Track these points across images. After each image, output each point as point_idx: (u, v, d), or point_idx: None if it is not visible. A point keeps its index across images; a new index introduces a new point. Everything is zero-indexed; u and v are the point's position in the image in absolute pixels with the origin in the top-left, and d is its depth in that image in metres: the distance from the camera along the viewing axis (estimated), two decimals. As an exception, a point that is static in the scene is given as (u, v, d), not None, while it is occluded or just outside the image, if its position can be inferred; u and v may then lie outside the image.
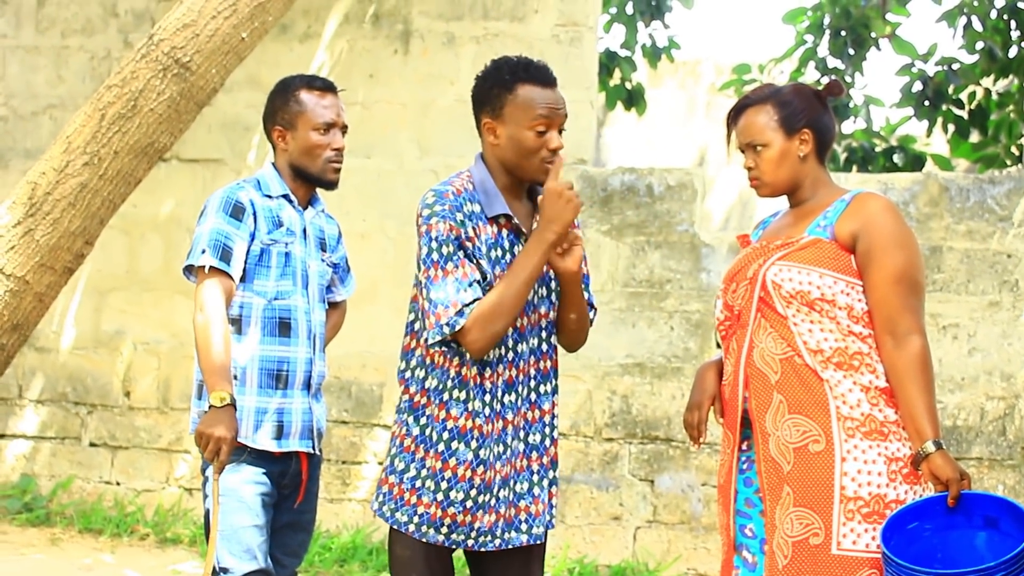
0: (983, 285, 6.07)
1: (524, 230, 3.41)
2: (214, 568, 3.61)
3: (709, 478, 6.23)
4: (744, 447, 3.42)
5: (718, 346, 3.63)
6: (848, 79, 8.87)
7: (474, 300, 3.26)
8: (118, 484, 7.22)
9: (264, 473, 3.72)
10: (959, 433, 6.04)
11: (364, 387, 6.87)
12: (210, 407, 3.52)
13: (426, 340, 3.36)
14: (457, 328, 3.24)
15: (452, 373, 3.38)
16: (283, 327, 3.79)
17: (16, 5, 7.64)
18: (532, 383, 3.46)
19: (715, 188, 8.88)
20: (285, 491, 3.83)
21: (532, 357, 3.45)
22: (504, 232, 3.39)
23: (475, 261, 3.31)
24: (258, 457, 3.71)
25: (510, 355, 3.39)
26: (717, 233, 6.65)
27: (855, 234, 3.30)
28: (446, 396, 3.38)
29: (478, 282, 3.29)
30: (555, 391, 3.53)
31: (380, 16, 7.00)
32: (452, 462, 3.36)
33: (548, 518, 3.49)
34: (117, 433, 7.24)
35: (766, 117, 3.42)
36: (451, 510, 3.36)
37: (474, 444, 3.36)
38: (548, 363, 3.51)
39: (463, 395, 3.37)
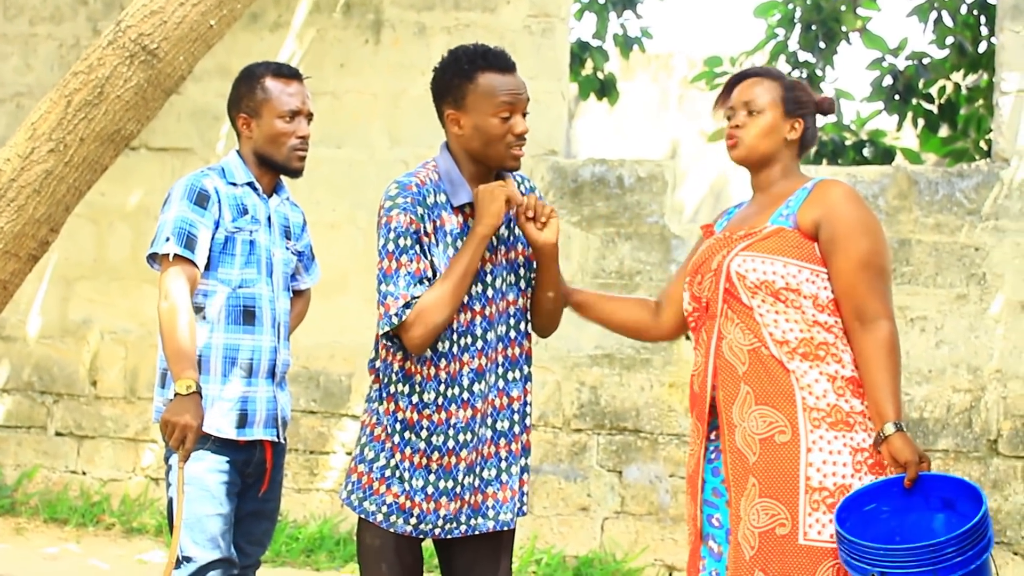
0: (951, 278, 6.08)
1: None
2: (178, 557, 3.58)
3: (677, 469, 6.23)
4: (712, 437, 3.41)
5: (688, 339, 3.62)
6: (819, 72, 8.89)
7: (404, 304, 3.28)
8: (84, 474, 7.17)
9: (228, 462, 3.70)
10: (926, 425, 6.05)
11: (332, 377, 6.84)
12: (175, 395, 3.46)
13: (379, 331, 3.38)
14: (403, 318, 3.26)
15: (396, 367, 3.40)
16: (248, 315, 3.77)
17: (-17, -8, 7.57)
18: (500, 370, 3.46)
19: (686, 180, 8.87)
20: (249, 480, 3.81)
21: (500, 344, 3.45)
22: (470, 221, 3.39)
23: (429, 257, 3.33)
24: (222, 446, 3.68)
25: (479, 343, 3.39)
26: (687, 225, 6.64)
27: (817, 221, 3.29)
28: (392, 389, 3.41)
29: (429, 280, 3.31)
30: (526, 378, 3.52)
31: (351, 5, 6.97)
32: (407, 451, 3.38)
33: (518, 505, 3.48)
34: (83, 422, 7.19)
35: (772, 90, 3.44)
36: (416, 498, 3.36)
37: (424, 434, 3.37)
38: (517, 350, 3.50)
39: (406, 389, 3.39)
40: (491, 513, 3.43)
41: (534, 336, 3.58)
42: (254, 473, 3.81)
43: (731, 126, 3.47)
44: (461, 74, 3.36)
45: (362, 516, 3.41)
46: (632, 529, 6.40)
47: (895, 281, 5.78)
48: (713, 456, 3.41)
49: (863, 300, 3.25)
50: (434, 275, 3.32)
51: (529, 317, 3.55)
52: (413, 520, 3.36)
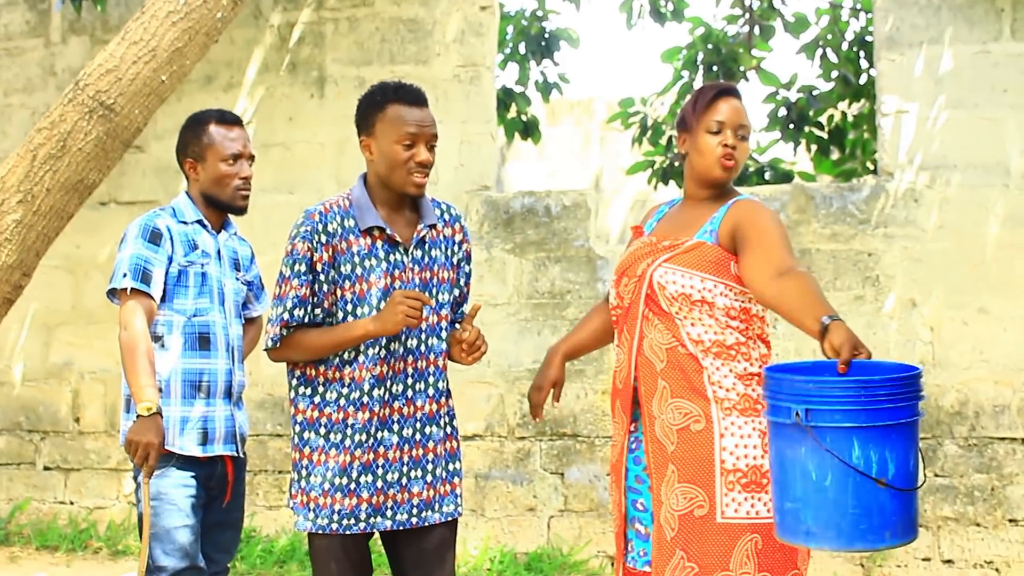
0: (848, 281, 6.08)
1: (400, 240, 3.41)
2: (148, 566, 3.50)
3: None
4: (632, 429, 3.36)
5: (617, 345, 3.56)
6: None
7: (298, 324, 3.35)
8: (71, 503, 7.00)
9: (192, 477, 3.64)
10: (833, 415, 6.02)
11: (296, 402, 6.73)
12: (137, 416, 3.42)
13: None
14: (277, 344, 3.36)
15: (297, 373, 3.42)
16: (203, 341, 3.71)
17: (-39, 68, 7.44)
18: (409, 380, 3.43)
19: (608, 209, 8.86)
20: (213, 492, 3.74)
21: (410, 356, 3.42)
22: (379, 243, 3.40)
23: (320, 280, 3.35)
24: (186, 462, 3.62)
25: (382, 352, 3.37)
26: (611, 247, 6.59)
27: (732, 231, 3.24)
28: (293, 393, 3.43)
29: (312, 304, 3.35)
30: (439, 393, 3.48)
31: (296, 64, 6.90)
32: (306, 450, 3.39)
33: (418, 509, 3.41)
34: (69, 456, 7.03)
35: (749, 116, 3.39)
36: (312, 494, 3.35)
37: (322, 431, 3.37)
38: (424, 363, 3.45)
39: (308, 391, 3.41)
40: (389, 514, 3.38)
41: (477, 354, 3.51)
42: (217, 486, 3.75)
43: (728, 145, 3.32)
44: (374, 105, 3.40)
45: (298, 528, 3.42)
46: (576, 525, 6.32)
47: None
48: (634, 446, 3.36)
49: (778, 260, 3.08)
50: (330, 293, 3.36)
51: (444, 336, 3.50)
52: (311, 515, 3.35)
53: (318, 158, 6.80)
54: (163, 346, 3.66)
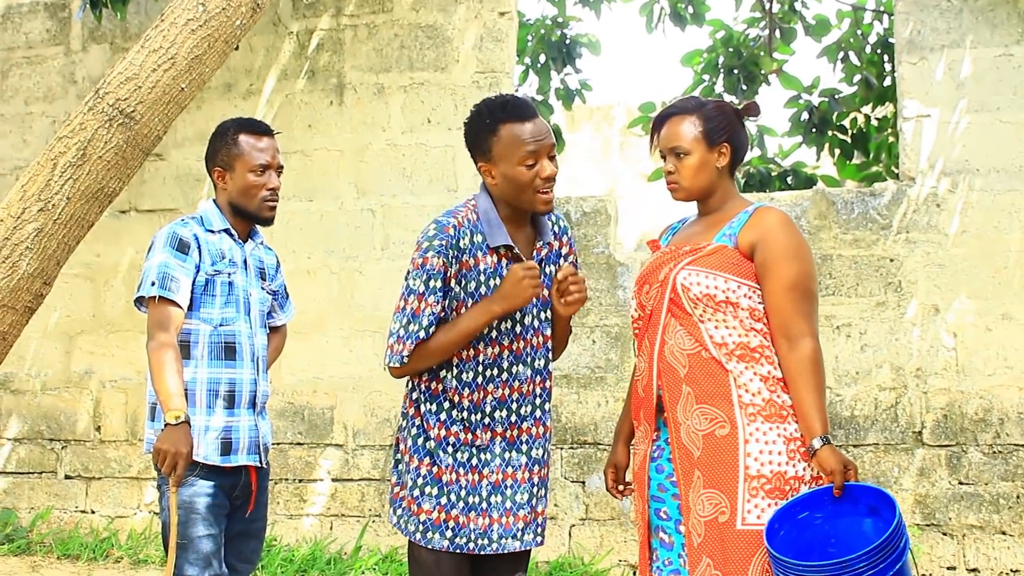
0: (870, 287, 6.07)
1: (524, 258, 3.34)
2: (175, 575, 3.51)
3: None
4: (655, 436, 3.36)
5: (636, 354, 3.57)
6: (743, 112, 8.90)
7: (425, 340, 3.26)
8: (93, 512, 7.05)
9: (216, 486, 3.63)
10: (856, 422, 6.02)
11: (316, 411, 6.75)
12: (166, 425, 3.42)
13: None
14: (404, 364, 3.27)
15: (423, 387, 3.35)
16: (228, 351, 3.72)
17: (-19, 77, 7.52)
18: (538, 400, 3.42)
19: (628, 215, 8.86)
20: (237, 502, 3.75)
21: (538, 377, 3.41)
22: (504, 261, 3.33)
23: (450, 298, 3.27)
24: (210, 472, 3.62)
25: (504, 375, 3.34)
26: (631, 253, 6.60)
27: (754, 244, 3.27)
28: (423, 408, 3.35)
29: (445, 321, 3.28)
30: (550, 410, 3.50)
31: (315, 72, 6.94)
32: (438, 469, 3.32)
33: (540, 529, 3.41)
34: (90, 465, 7.08)
35: (691, 127, 3.38)
36: (453, 512, 3.30)
37: (450, 450, 3.31)
38: (550, 382, 3.46)
39: (434, 407, 3.34)
40: (519, 535, 3.35)
41: None
42: (241, 496, 3.75)
43: (667, 172, 3.42)
44: (485, 128, 3.28)
45: (407, 536, 3.34)
46: (597, 534, 6.33)
47: (820, 292, 5.76)
48: (657, 454, 3.36)
49: (789, 319, 3.23)
50: (454, 310, 3.28)
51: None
52: (448, 534, 3.29)
53: (337, 165, 6.84)
54: (189, 355, 3.67)
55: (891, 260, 6.06)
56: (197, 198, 6.99)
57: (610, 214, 6.50)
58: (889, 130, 8.45)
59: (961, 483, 5.89)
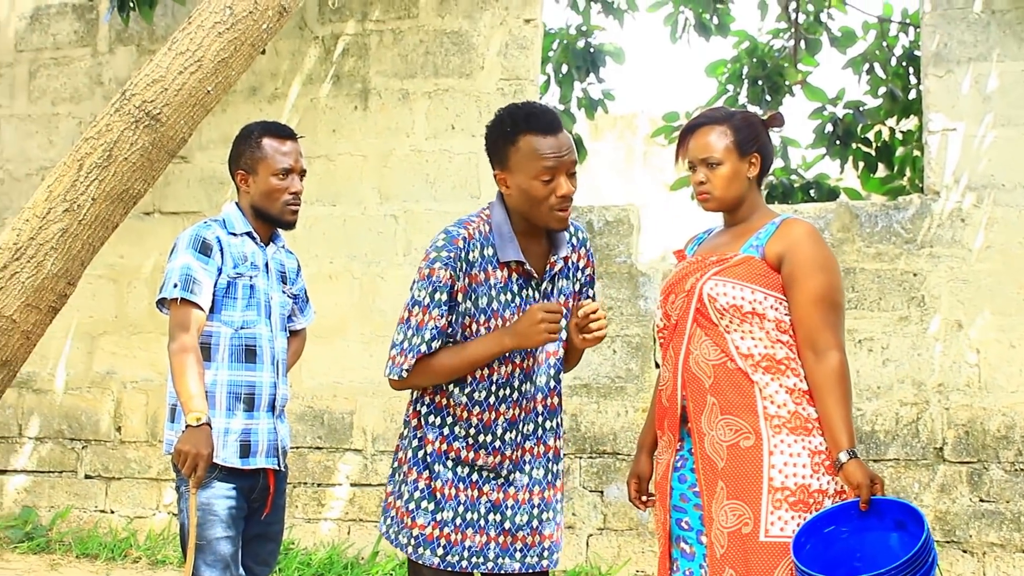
0: (893, 302, 6.04)
1: (535, 274, 3.24)
2: (193, 576, 3.52)
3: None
4: (679, 446, 3.35)
5: (657, 366, 3.55)
6: (766, 123, 8.88)
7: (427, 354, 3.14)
8: (112, 512, 7.06)
9: (234, 488, 3.63)
10: (877, 437, 5.98)
11: (335, 415, 6.75)
12: (187, 427, 3.43)
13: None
14: (404, 378, 3.17)
15: (427, 400, 3.25)
16: (249, 353, 3.72)
17: (10, 77, 7.56)
18: (540, 419, 3.31)
19: (650, 223, 8.84)
20: (254, 504, 3.74)
21: (540, 394, 3.30)
22: (514, 276, 3.21)
23: (456, 312, 3.15)
24: (228, 474, 3.62)
25: (515, 395, 3.24)
26: (653, 263, 6.59)
27: (781, 256, 3.26)
28: (426, 420, 3.24)
29: (448, 336, 3.17)
30: (559, 428, 3.36)
31: (340, 76, 6.95)
32: (437, 483, 3.20)
33: (548, 551, 3.29)
34: (110, 465, 7.10)
35: (722, 137, 3.36)
36: (445, 530, 3.19)
37: (449, 464, 3.20)
38: (556, 399, 3.35)
39: (437, 420, 3.23)
40: (519, 555, 3.25)
41: None
42: (258, 499, 3.75)
43: (697, 182, 3.39)
44: (504, 136, 3.14)
45: (398, 548, 3.25)
46: (614, 544, 6.31)
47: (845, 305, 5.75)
48: (679, 464, 3.34)
49: (816, 332, 3.21)
50: (464, 325, 3.16)
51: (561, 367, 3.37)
52: (440, 551, 3.18)
53: (360, 170, 6.85)
54: (209, 357, 3.67)
55: (914, 275, 6.02)
56: (221, 201, 7.00)
57: (632, 223, 6.48)
58: (914, 143, 8.42)
59: (982, 500, 5.85)
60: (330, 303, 6.64)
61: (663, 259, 7.23)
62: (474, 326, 3.18)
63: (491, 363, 3.19)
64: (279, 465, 3.78)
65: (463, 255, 3.13)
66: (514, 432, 3.24)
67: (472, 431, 3.21)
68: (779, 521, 3.12)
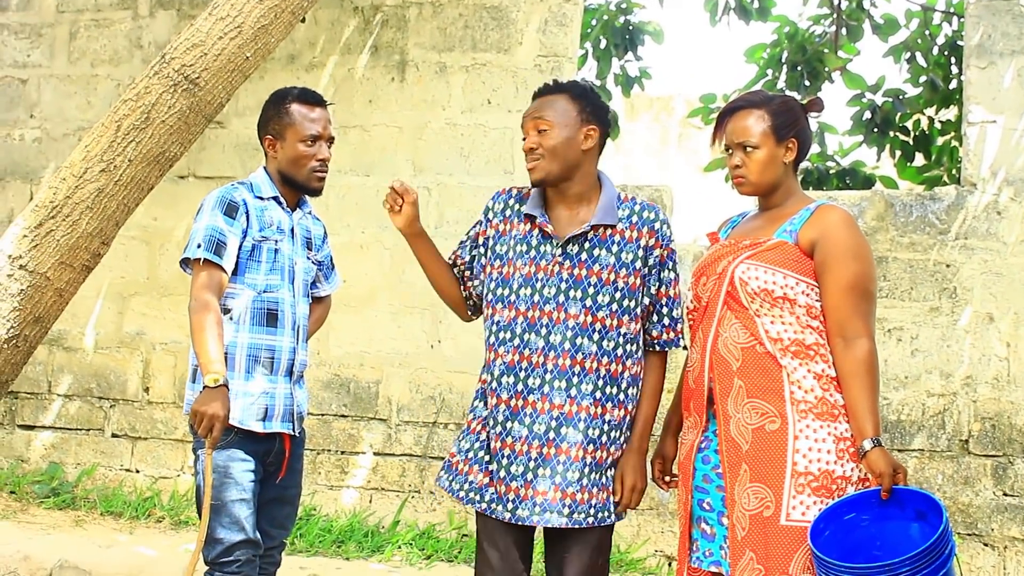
0: (925, 292, 6.00)
1: (551, 233, 3.44)
2: (208, 537, 3.54)
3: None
4: (704, 428, 3.35)
5: (684, 347, 3.56)
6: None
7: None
8: (137, 471, 7.12)
9: (250, 452, 3.64)
10: (903, 427, 5.96)
11: (362, 384, 6.78)
12: (204, 387, 3.42)
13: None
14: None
15: (492, 357, 3.50)
16: (271, 317, 3.72)
17: (50, 38, 7.59)
18: (547, 376, 3.37)
19: (683, 204, 8.82)
20: (270, 468, 3.75)
21: (551, 352, 3.37)
22: (535, 232, 3.47)
23: (496, 248, 3.51)
24: (245, 437, 3.62)
25: (515, 341, 3.39)
26: (686, 245, 6.56)
27: (814, 241, 3.25)
28: (495, 384, 3.47)
29: (460, 263, 3.63)
30: (585, 396, 3.38)
31: (379, 47, 6.95)
32: (470, 416, 3.52)
33: (541, 508, 3.33)
34: (137, 425, 7.16)
35: (760, 122, 3.35)
36: (457, 458, 3.47)
37: (483, 401, 3.49)
38: (570, 362, 3.37)
39: (485, 359, 3.52)
40: (510, 506, 3.34)
41: None
42: (275, 462, 3.76)
43: (733, 166, 3.40)
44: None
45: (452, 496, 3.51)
46: (634, 523, 6.31)
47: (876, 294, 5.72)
48: (704, 445, 3.34)
49: (847, 319, 3.20)
50: (481, 263, 3.62)
51: (601, 339, 3.40)
52: (451, 477, 3.45)
53: (395, 142, 6.85)
54: (231, 319, 3.66)
55: (947, 266, 5.98)
56: (255, 167, 7.00)
57: (665, 204, 6.47)
58: (952, 134, 8.35)
59: (1006, 494, 5.82)
60: (360, 273, 6.66)
61: (695, 241, 7.19)
62: (488, 268, 3.53)
63: (495, 304, 3.46)
64: (294, 430, 3.78)
65: (498, 206, 3.56)
66: (512, 378, 3.37)
67: (484, 374, 3.48)
68: (800, 506, 3.13)
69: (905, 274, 6.02)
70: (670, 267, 3.51)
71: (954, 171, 8.12)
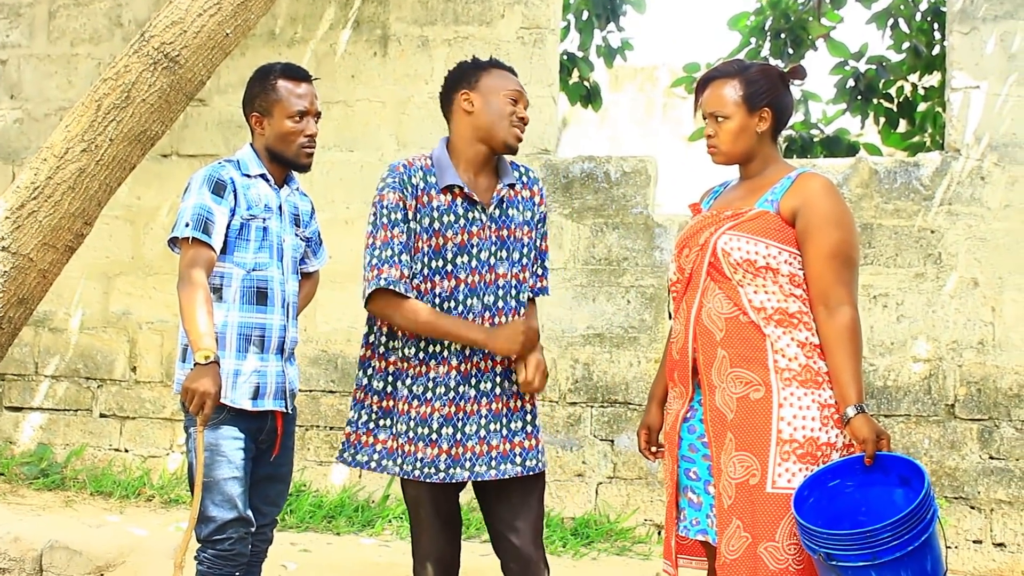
0: (910, 258, 6.02)
1: (477, 199, 3.51)
2: (200, 515, 3.55)
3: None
4: (689, 398, 3.36)
5: (670, 316, 3.58)
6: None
7: (399, 276, 3.39)
8: (126, 451, 7.13)
9: (242, 430, 3.65)
10: (889, 393, 5.99)
11: (349, 360, 6.78)
12: (195, 364, 3.41)
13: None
14: (372, 290, 3.43)
15: (386, 328, 3.54)
16: (260, 295, 3.72)
17: (30, 17, 7.54)
18: None
19: (668, 175, 8.81)
20: (262, 446, 3.76)
21: (487, 312, 3.51)
22: (458, 200, 3.50)
23: (414, 224, 3.44)
24: (236, 415, 3.63)
25: (460, 308, 3.47)
26: (669, 215, 6.57)
27: (796, 210, 3.25)
28: (382, 348, 3.54)
29: (408, 253, 3.44)
30: None
31: (361, 22, 6.92)
32: (391, 402, 3.52)
33: (496, 461, 3.49)
34: (125, 405, 7.16)
35: (732, 91, 3.37)
36: (400, 441, 3.47)
37: (408, 382, 3.47)
38: (502, 320, 3.53)
39: (395, 344, 3.52)
40: (468, 465, 3.46)
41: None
42: (267, 440, 3.77)
43: (706, 134, 3.44)
44: (478, 66, 3.60)
45: (356, 468, 3.57)
46: (624, 492, 6.34)
47: (859, 261, 5.74)
48: (689, 415, 3.36)
49: (829, 287, 3.22)
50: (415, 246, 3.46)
51: (519, 294, 3.58)
52: (399, 461, 3.47)
53: (379, 116, 6.83)
54: (220, 298, 3.66)
55: (932, 232, 6.00)
56: (238, 144, 6.99)
57: (650, 174, 6.47)
58: (936, 100, 8.35)
59: (992, 458, 5.86)
60: (346, 248, 6.65)
61: (680, 211, 7.20)
62: (419, 243, 3.46)
63: (433, 277, 3.46)
64: (287, 407, 3.79)
65: (405, 179, 3.46)
66: (459, 344, 3.46)
67: (422, 343, 3.47)
68: (786, 473, 3.14)
69: (890, 240, 6.04)
70: (546, 222, 3.73)
71: (938, 137, 8.13)
